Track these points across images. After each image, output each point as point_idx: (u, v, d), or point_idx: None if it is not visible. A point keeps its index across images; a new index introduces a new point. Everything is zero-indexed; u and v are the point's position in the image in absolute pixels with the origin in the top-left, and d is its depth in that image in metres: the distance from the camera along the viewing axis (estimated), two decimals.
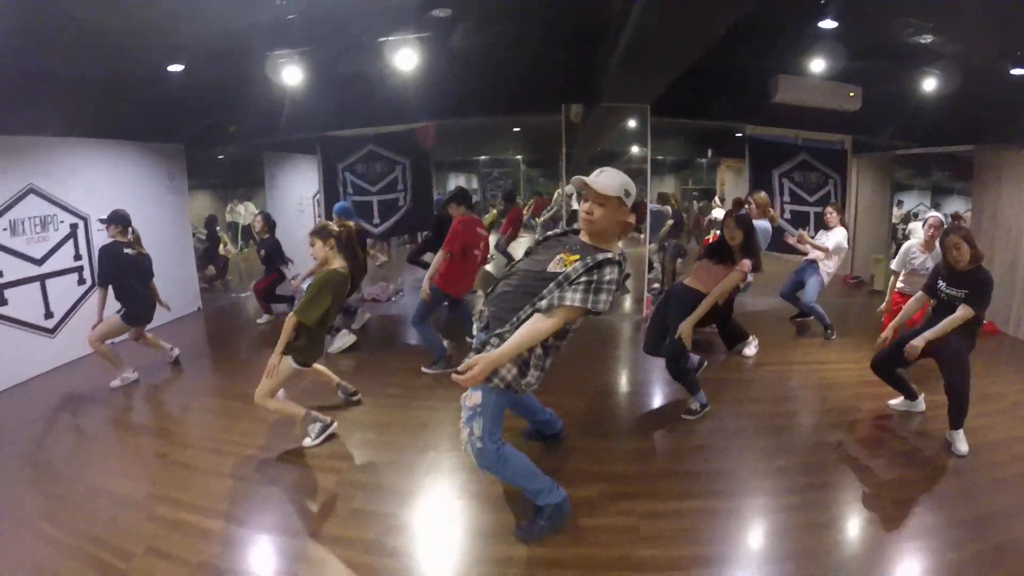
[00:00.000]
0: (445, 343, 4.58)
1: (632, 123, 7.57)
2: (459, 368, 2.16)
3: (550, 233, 2.51)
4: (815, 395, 4.14)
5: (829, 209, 5.29)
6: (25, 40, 3.46)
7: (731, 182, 10.71)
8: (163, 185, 6.25)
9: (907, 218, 10.17)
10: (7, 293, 4.46)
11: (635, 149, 10.53)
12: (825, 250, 5.15)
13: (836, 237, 5.16)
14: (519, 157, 12.98)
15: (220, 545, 2.46)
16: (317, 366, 3.66)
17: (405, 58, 4.64)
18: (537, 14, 4.58)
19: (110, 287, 4.31)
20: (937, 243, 4.16)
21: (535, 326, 2.14)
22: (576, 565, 2.31)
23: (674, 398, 3.94)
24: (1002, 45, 4.27)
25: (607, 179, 2.20)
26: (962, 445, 3.09)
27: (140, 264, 4.50)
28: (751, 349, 4.85)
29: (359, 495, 2.86)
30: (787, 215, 6.26)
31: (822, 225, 5.39)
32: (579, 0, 4.44)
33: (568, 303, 2.12)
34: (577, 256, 2.22)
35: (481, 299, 2.64)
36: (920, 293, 3.51)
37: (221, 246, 8.91)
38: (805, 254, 5.36)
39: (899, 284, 4.35)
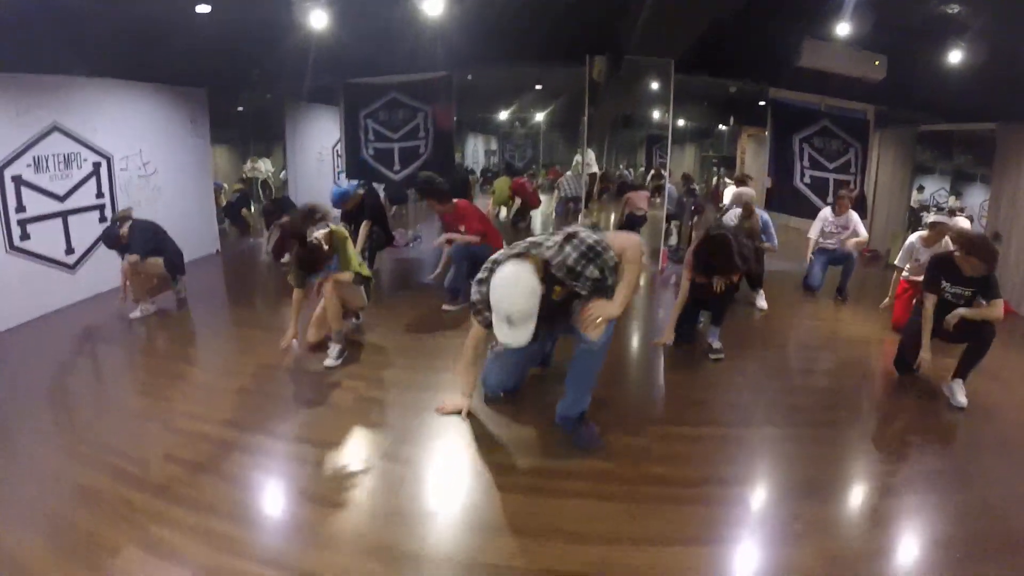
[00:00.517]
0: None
1: (654, 85, 7.54)
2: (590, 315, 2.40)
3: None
4: (829, 347, 4.25)
5: (843, 193, 5.34)
6: None
7: (752, 152, 10.58)
8: (185, 128, 6.33)
9: (926, 206, 10.04)
10: (29, 228, 4.55)
11: (656, 114, 10.48)
12: (865, 241, 5.39)
13: (859, 223, 5.31)
14: (540, 118, 12.89)
15: (237, 452, 2.56)
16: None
17: (432, 3, 4.66)
18: None
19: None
20: (943, 242, 4.21)
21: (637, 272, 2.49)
22: (593, 477, 2.40)
23: (689, 341, 4.04)
24: None
25: (521, 321, 2.28)
26: (962, 397, 3.12)
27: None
28: (762, 301, 5.00)
29: (375, 409, 3.00)
30: (807, 179, 6.27)
31: (835, 207, 5.37)
32: None
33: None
34: (559, 286, 2.43)
35: None
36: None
37: (245, 210, 9.04)
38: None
39: (904, 273, 4.45)
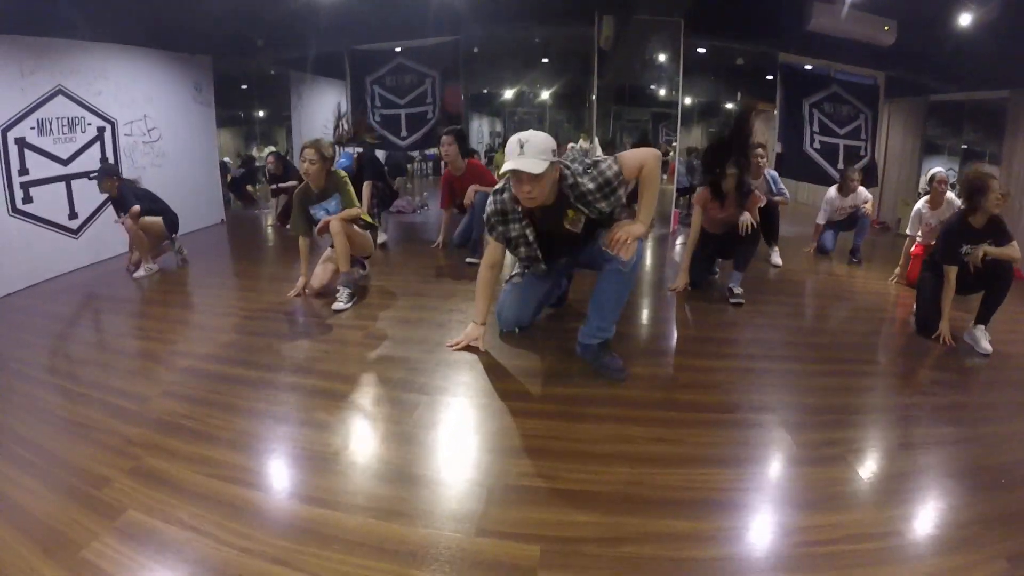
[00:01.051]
0: None
1: (662, 56, 7.46)
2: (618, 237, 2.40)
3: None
4: (847, 296, 4.31)
5: (850, 175, 5.28)
6: None
7: (760, 128, 10.49)
8: (190, 96, 6.30)
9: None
10: (32, 191, 4.52)
11: (663, 91, 10.39)
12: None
13: (867, 197, 5.34)
14: (545, 96, 12.80)
15: (240, 385, 2.50)
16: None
17: None
18: None
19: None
20: (946, 200, 4.23)
21: (655, 186, 2.50)
22: (618, 403, 2.36)
23: (704, 290, 4.07)
24: None
25: (533, 153, 2.25)
26: (986, 343, 3.07)
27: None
28: (777, 258, 4.98)
29: (385, 344, 2.96)
30: (816, 145, 6.20)
31: (846, 188, 5.31)
32: None
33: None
34: (572, 210, 2.45)
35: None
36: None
37: (250, 185, 9.06)
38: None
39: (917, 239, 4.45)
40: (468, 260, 4.53)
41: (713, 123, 12.84)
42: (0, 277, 4.14)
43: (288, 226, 6.14)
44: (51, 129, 4.68)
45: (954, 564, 1.51)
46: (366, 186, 5.14)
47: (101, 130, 5.18)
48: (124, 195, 4.41)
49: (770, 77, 7.17)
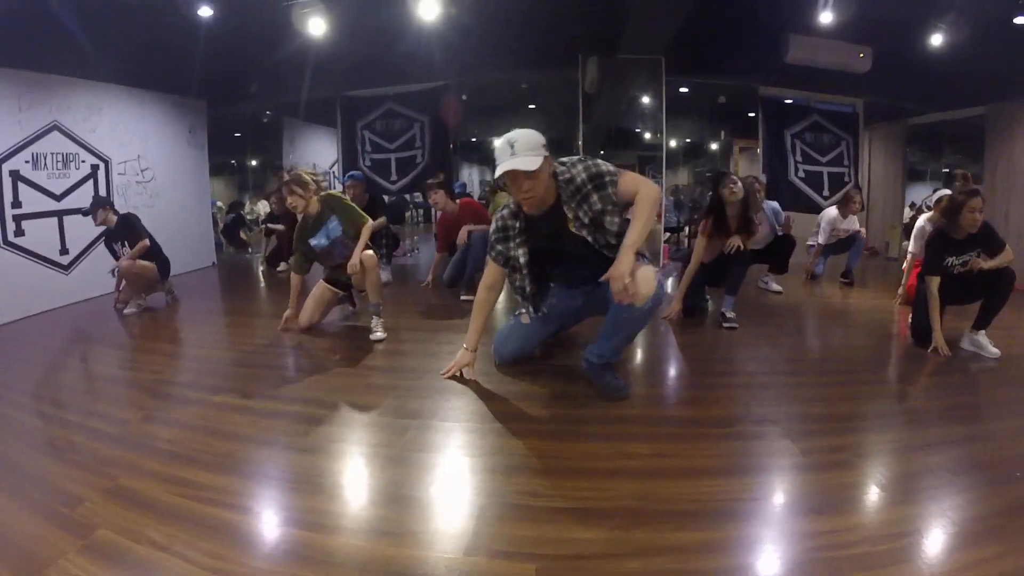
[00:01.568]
0: None
1: (645, 98, 7.68)
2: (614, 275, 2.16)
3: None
4: (843, 316, 4.35)
5: (853, 194, 5.31)
6: None
7: (745, 165, 10.71)
8: (184, 138, 6.39)
9: (916, 215, 10.15)
10: (24, 224, 4.52)
11: (647, 135, 10.66)
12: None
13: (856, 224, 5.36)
14: None
15: (225, 411, 2.42)
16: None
17: (428, 7, 4.80)
18: None
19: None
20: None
21: (649, 210, 2.28)
22: (619, 421, 2.28)
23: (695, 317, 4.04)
24: None
25: (524, 151, 2.23)
26: (992, 347, 3.03)
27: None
28: (776, 285, 4.98)
29: (376, 373, 2.92)
30: (800, 174, 6.32)
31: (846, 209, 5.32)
32: None
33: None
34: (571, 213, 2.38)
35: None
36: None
37: (243, 231, 9.10)
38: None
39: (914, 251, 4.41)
40: (463, 297, 4.48)
41: (698, 163, 13.14)
42: None
43: (279, 268, 6.14)
44: (45, 164, 4.73)
45: (983, 555, 1.42)
46: (381, 220, 5.05)
47: (95, 168, 5.24)
48: (133, 226, 4.39)
49: (752, 114, 7.37)
